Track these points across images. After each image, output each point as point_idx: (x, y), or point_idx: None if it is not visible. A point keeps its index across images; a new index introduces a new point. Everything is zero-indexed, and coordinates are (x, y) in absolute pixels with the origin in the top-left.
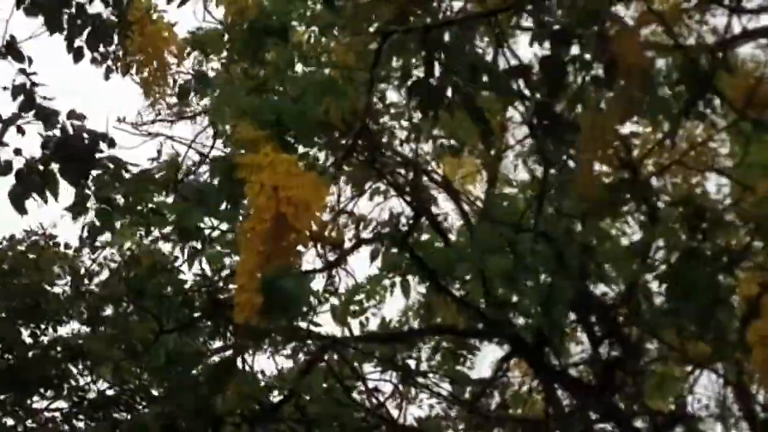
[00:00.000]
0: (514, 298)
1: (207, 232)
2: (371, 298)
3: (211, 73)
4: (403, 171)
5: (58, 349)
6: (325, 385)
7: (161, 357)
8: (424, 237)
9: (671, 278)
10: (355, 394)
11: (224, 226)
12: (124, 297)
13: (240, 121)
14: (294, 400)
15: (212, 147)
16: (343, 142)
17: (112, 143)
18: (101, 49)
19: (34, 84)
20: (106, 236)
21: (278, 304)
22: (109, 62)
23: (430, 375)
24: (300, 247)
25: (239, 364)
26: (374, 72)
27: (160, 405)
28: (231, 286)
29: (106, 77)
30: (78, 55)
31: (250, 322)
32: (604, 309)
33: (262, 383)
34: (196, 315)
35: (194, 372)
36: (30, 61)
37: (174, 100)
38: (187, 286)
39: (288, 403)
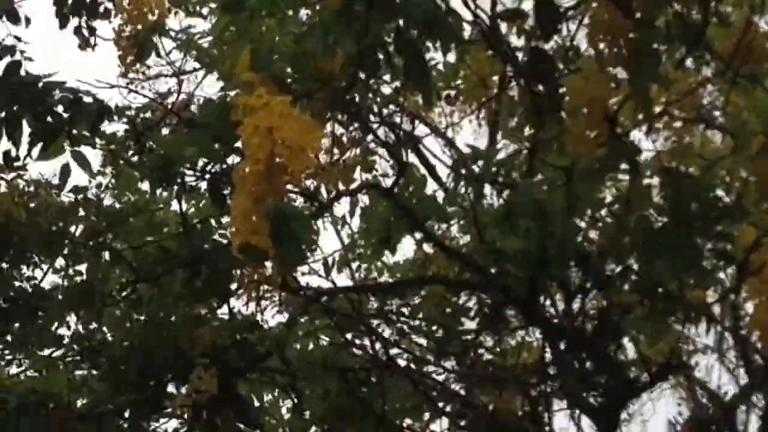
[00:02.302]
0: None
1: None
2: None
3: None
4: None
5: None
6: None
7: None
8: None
9: (643, 238)
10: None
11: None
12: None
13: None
14: (279, 352)
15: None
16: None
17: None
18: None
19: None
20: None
21: (283, 235)
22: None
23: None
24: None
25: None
26: (370, 13)
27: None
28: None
29: (83, 48)
30: (64, 21)
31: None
32: (586, 262)
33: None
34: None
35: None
36: (28, 21)
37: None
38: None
39: (271, 356)
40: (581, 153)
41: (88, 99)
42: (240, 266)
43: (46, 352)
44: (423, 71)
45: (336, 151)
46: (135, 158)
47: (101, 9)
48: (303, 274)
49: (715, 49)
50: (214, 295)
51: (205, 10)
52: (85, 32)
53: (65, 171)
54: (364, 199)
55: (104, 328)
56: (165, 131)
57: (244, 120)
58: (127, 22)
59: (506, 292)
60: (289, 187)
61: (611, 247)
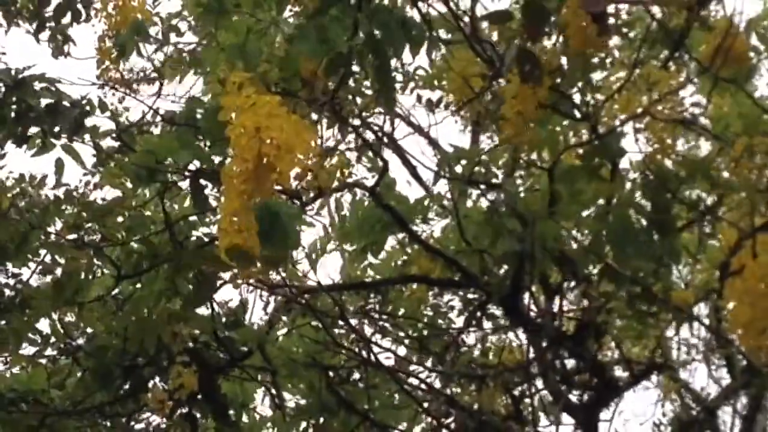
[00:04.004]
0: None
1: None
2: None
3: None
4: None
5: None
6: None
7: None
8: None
9: (623, 238)
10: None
11: None
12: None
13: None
14: (260, 349)
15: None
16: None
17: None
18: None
19: None
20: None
21: (273, 231)
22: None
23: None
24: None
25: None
26: (358, 16)
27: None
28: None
29: (55, 56)
30: (40, 29)
31: (236, 262)
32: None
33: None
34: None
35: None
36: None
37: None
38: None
39: (253, 354)
40: (515, 135)
41: (66, 103)
42: (224, 268)
43: (31, 350)
44: (389, 74)
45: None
46: (119, 154)
47: (83, 15)
48: (285, 271)
49: (696, 51)
50: (204, 302)
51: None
52: (67, 40)
53: (59, 165)
54: (347, 198)
55: (84, 324)
56: (152, 131)
57: (232, 120)
58: (110, 27)
59: (489, 290)
60: (276, 186)
61: (592, 246)
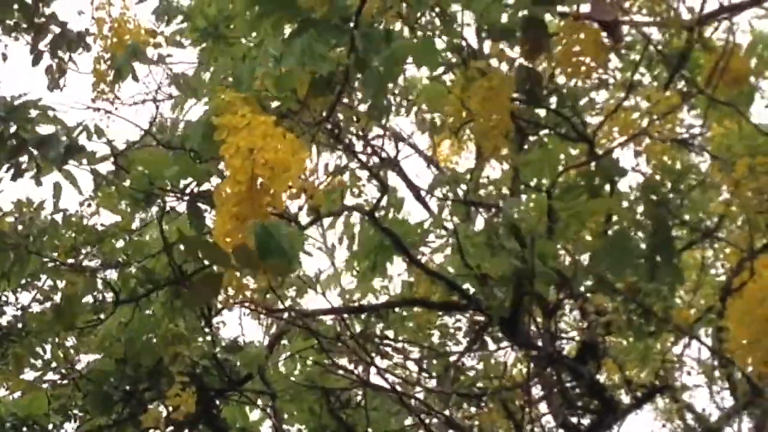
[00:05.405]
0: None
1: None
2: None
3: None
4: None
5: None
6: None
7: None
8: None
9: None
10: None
11: None
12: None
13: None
14: (260, 373)
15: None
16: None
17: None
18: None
19: None
20: None
21: (270, 256)
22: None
23: (401, 346)
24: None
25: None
26: (354, 32)
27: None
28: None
29: (51, 89)
30: (37, 59)
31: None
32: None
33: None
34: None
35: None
36: (5, 57)
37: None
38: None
39: (253, 378)
40: (489, 147)
41: (61, 136)
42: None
43: (32, 375)
44: (376, 80)
45: (319, 173)
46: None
47: (82, 44)
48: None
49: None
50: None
51: (185, 41)
52: (63, 73)
53: (57, 189)
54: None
55: (84, 349)
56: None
57: (226, 140)
58: (106, 50)
59: (489, 313)
60: (270, 208)
61: (590, 265)
